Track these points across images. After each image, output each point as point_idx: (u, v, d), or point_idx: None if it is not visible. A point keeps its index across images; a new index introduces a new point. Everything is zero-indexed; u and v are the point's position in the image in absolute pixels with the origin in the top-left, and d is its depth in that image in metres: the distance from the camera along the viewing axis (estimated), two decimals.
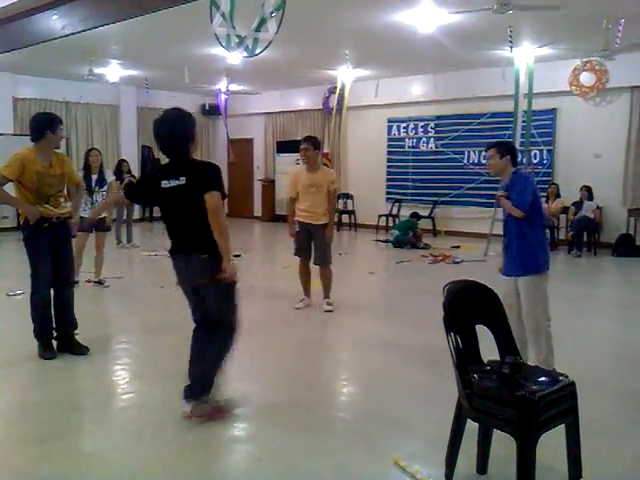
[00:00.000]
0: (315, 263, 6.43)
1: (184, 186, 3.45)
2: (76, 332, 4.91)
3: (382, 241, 12.13)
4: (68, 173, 4.79)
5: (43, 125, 4.54)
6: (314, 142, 6.39)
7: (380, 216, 13.50)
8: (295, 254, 6.50)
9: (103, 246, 7.61)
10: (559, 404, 2.71)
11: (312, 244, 6.35)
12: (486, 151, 4.38)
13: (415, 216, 12.29)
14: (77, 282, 7.37)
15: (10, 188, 4.58)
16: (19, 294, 6.51)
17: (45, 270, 4.63)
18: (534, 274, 4.08)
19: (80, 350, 4.80)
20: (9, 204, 4.73)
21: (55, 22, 6.49)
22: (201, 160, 3.69)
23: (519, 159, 4.95)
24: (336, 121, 13.76)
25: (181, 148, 3.52)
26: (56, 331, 4.84)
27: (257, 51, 4.45)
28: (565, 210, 11.01)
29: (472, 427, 2.87)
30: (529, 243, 4.09)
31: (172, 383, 4.22)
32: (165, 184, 3.48)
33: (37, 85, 13.43)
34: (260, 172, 16.51)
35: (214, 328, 3.62)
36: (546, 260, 4.16)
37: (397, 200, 13.54)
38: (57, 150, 4.77)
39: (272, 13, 4.25)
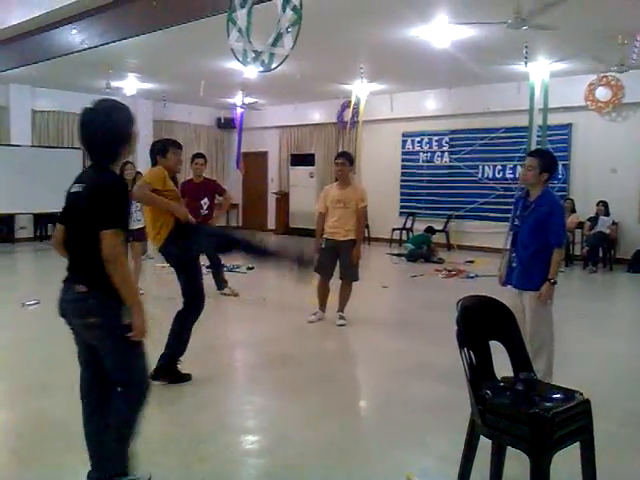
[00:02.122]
0: (341, 278, 6.38)
1: (79, 194, 2.73)
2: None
3: (396, 255, 12.12)
4: None
5: (154, 152, 4.56)
6: (349, 158, 6.40)
7: (394, 229, 13.50)
8: (315, 270, 6.45)
9: (140, 255, 7.83)
10: (574, 422, 2.67)
11: (337, 262, 6.30)
12: (526, 156, 4.18)
13: (430, 230, 12.25)
14: None
15: None
16: (34, 304, 6.56)
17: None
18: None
19: (185, 378, 4.53)
20: (159, 205, 4.41)
21: (74, 36, 6.61)
22: (108, 172, 2.77)
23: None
24: (350, 135, 13.81)
25: (105, 150, 2.76)
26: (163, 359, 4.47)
27: (273, 66, 4.49)
28: (580, 225, 10.95)
29: (485, 444, 2.84)
30: (545, 259, 3.99)
31: (183, 394, 4.24)
32: (72, 188, 2.80)
33: (55, 98, 13.62)
34: (274, 185, 16.58)
35: (112, 390, 2.83)
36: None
37: (411, 214, 13.54)
38: None
39: (288, 28, 4.28)
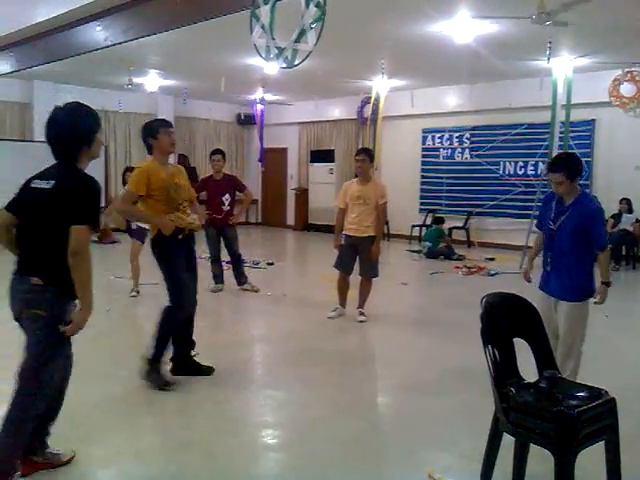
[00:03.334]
0: (361, 274, 6.37)
1: (49, 191, 2.81)
2: (194, 352, 4.66)
3: (414, 251, 12.08)
4: (186, 186, 4.55)
5: (145, 134, 4.39)
6: (370, 154, 6.40)
7: (414, 226, 13.45)
8: (335, 266, 6.46)
9: (137, 255, 7.48)
10: (599, 420, 2.66)
11: (357, 258, 6.30)
12: (547, 171, 4.01)
13: (439, 221, 12.14)
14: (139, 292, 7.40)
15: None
16: None
17: (189, 283, 4.40)
18: (582, 301, 3.90)
19: (206, 371, 4.57)
20: (141, 220, 4.37)
21: (98, 33, 6.67)
22: (81, 171, 2.90)
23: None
24: (370, 131, 13.78)
25: (65, 149, 2.90)
26: (174, 352, 4.53)
27: (296, 62, 4.47)
28: None
29: (508, 441, 2.83)
30: (586, 270, 3.87)
31: (204, 389, 4.28)
32: (34, 183, 2.89)
33: (77, 94, 13.65)
34: (294, 181, 16.59)
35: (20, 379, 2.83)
36: (593, 285, 3.94)
37: (431, 210, 13.47)
38: (174, 163, 4.52)
39: (312, 24, 4.27)
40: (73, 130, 2.89)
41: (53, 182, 2.82)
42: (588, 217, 3.83)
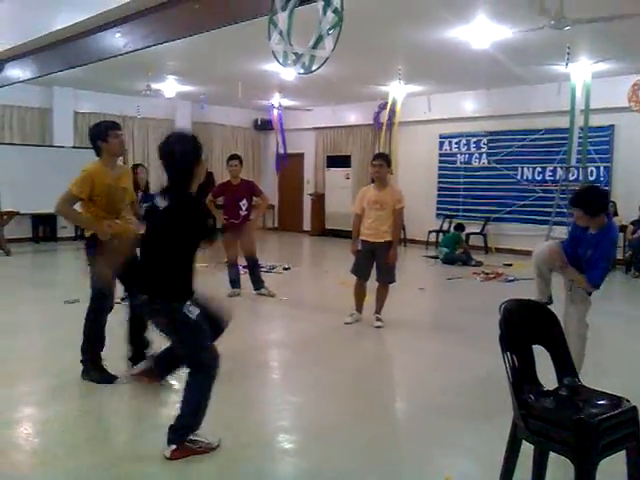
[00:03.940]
0: (378, 280, 6.36)
1: (162, 211, 3.26)
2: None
3: (431, 257, 12.02)
4: (130, 189, 4.61)
5: (94, 137, 4.31)
6: (387, 159, 6.40)
7: (430, 232, 13.40)
8: (352, 272, 6.45)
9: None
10: (620, 429, 2.62)
11: (374, 264, 6.28)
12: (570, 205, 4.10)
13: (460, 228, 12.07)
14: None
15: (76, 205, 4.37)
16: (75, 302, 6.68)
17: (111, 292, 4.43)
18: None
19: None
20: (78, 224, 4.38)
21: (118, 40, 6.71)
22: (191, 194, 3.32)
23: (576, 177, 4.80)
24: (387, 136, 13.76)
25: (179, 175, 3.27)
26: (132, 351, 4.61)
27: (313, 68, 4.47)
28: (623, 229, 10.69)
29: (527, 449, 2.81)
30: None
31: (221, 393, 4.29)
32: (156, 201, 3.32)
33: (96, 100, 13.88)
34: (310, 186, 16.61)
35: (191, 368, 3.37)
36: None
37: (448, 216, 13.42)
38: (122, 164, 4.58)
39: (329, 30, 4.28)
40: (184, 159, 3.23)
41: (166, 204, 3.22)
42: (600, 250, 4.00)
